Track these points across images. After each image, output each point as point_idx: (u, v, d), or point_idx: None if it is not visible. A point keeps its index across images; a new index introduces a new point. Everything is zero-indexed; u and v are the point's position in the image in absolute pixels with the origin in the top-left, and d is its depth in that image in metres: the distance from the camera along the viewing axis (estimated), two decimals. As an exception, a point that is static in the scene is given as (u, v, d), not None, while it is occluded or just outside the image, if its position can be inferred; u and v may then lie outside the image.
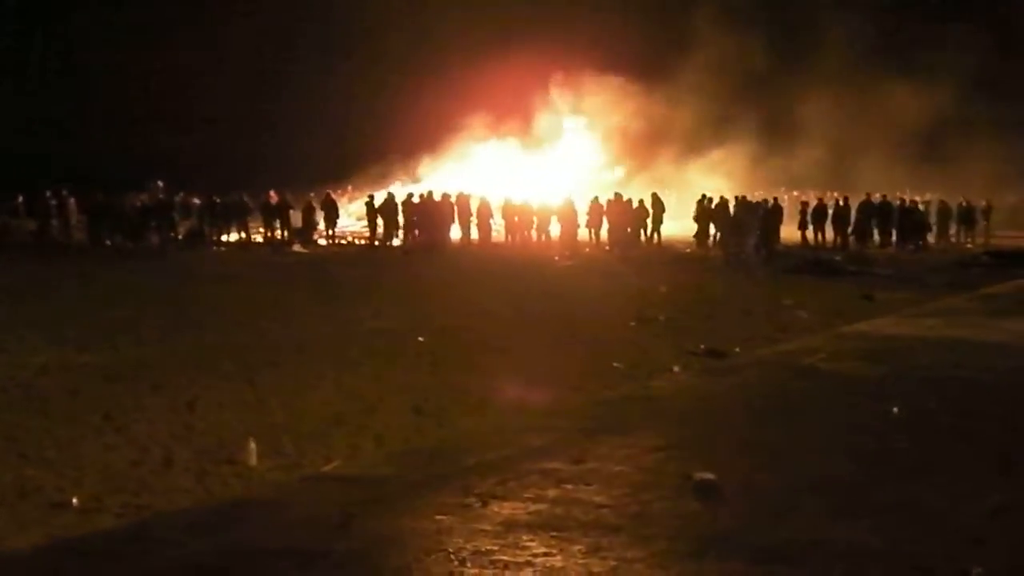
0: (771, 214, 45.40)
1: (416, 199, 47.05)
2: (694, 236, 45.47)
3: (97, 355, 17.64)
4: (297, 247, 45.28)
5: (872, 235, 47.28)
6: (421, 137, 62.66)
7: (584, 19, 68.32)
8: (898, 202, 48.71)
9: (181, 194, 51.21)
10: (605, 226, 44.71)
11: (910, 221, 47.42)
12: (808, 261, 36.02)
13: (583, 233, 45.33)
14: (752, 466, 9.89)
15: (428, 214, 45.94)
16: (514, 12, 66.81)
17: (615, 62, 63.17)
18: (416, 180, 58.68)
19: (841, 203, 47.37)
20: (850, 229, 46.46)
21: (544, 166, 61.56)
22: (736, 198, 46.43)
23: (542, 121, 65.16)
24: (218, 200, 50.04)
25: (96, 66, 72.54)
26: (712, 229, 45.70)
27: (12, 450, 11.66)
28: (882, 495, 9.02)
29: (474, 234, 46.81)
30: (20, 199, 50.01)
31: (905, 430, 11.38)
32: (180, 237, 47.64)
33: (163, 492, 10.19)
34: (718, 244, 44.91)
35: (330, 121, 69.30)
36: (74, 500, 9.89)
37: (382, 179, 59.39)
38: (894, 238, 47.28)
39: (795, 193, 60.15)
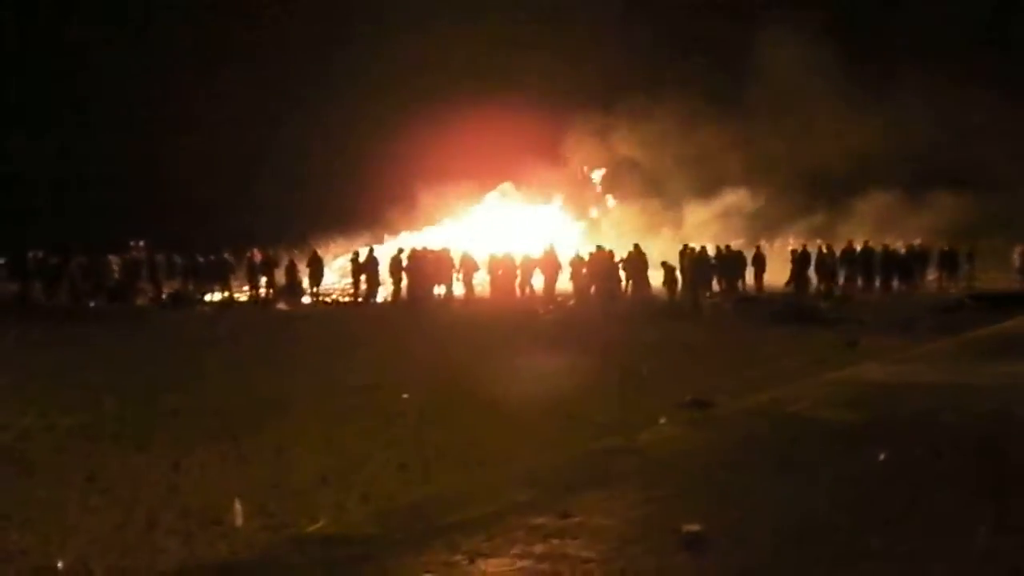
0: (733, 262, 45.87)
1: (402, 255, 47.00)
2: (662, 284, 45.64)
3: (80, 416, 17.54)
4: (282, 305, 45.25)
5: (856, 281, 47.47)
6: (405, 194, 62.86)
7: (561, 72, 68.42)
8: (880, 248, 48.91)
9: (161, 254, 51.21)
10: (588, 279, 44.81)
11: (893, 266, 47.62)
12: (791, 308, 36.06)
13: (567, 285, 45.41)
14: (740, 516, 9.86)
15: (412, 270, 45.92)
16: (495, 67, 67.09)
17: (599, 107, 63.47)
18: (400, 236, 58.70)
19: (824, 250, 47.54)
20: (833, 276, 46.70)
21: (527, 218, 61.68)
22: (717, 248, 46.75)
23: (525, 174, 65.30)
24: (201, 259, 50.01)
25: (74, 124, 72.39)
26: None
27: (-5, 513, 11.61)
28: (871, 542, 9.00)
29: (458, 289, 46.77)
30: (2, 261, 49.92)
31: (892, 476, 11.38)
32: (164, 297, 47.56)
33: (148, 554, 10.13)
34: (681, 292, 45.09)
35: (314, 179, 69.41)
36: (59, 564, 9.83)
37: (366, 236, 59.41)
38: (877, 284, 47.46)
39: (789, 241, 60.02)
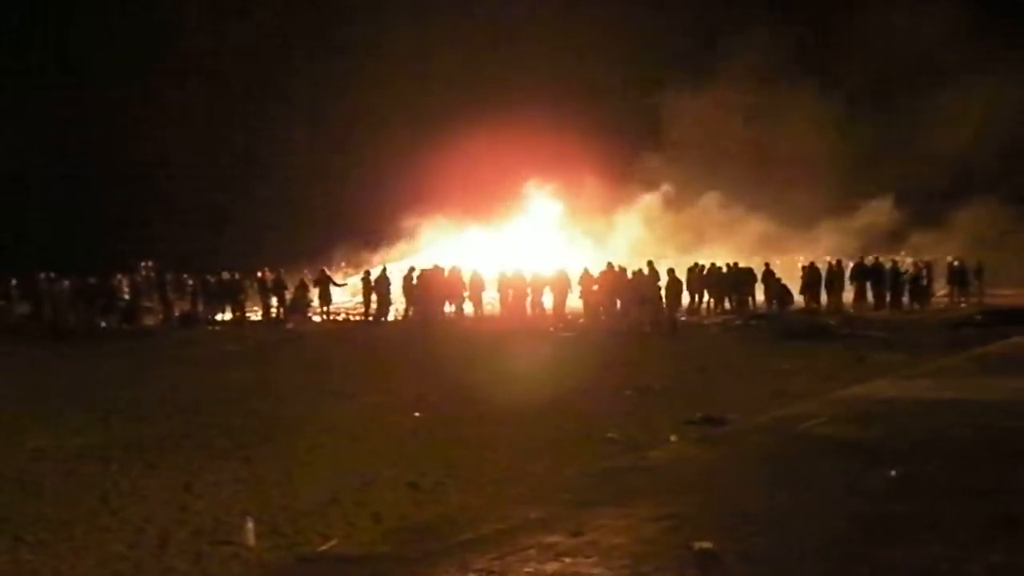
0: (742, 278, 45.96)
1: (413, 274, 46.94)
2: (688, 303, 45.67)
3: (91, 437, 17.58)
4: (292, 325, 45.23)
5: (866, 297, 47.32)
6: (415, 212, 62.79)
7: (572, 95, 68.20)
8: (890, 264, 48.76)
9: (171, 274, 51.23)
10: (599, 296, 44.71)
11: (902, 282, 47.45)
12: (801, 325, 36.00)
13: (577, 303, 45.31)
14: (752, 533, 9.83)
15: (423, 289, 45.89)
16: (504, 85, 66.95)
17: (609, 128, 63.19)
18: (409, 255, 58.61)
19: (834, 265, 47.39)
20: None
21: (534, 237, 61.57)
22: (728, 265, 46.68)
23: (532, 193, 65.14)
24: (211, 279, 50.03)
25: (81, 145, 72.37)
26: (706, 295, 45.97)
27: (7, 533, 11.61)
28: (883, 558, 8.97)
29: (468, 308, 46.73)
30: (13, 282, 49.96)
31: (903, 492, 11.34)
32: (174, 317, 47.58)
33: (160, 575, 10.13)
34: (712, 311, 45.03)
35: (324, 198, 69.32)
36: (71, 585, 9.85)
37: (376, 255, 59.43)
38: (887, 300, 47.28)
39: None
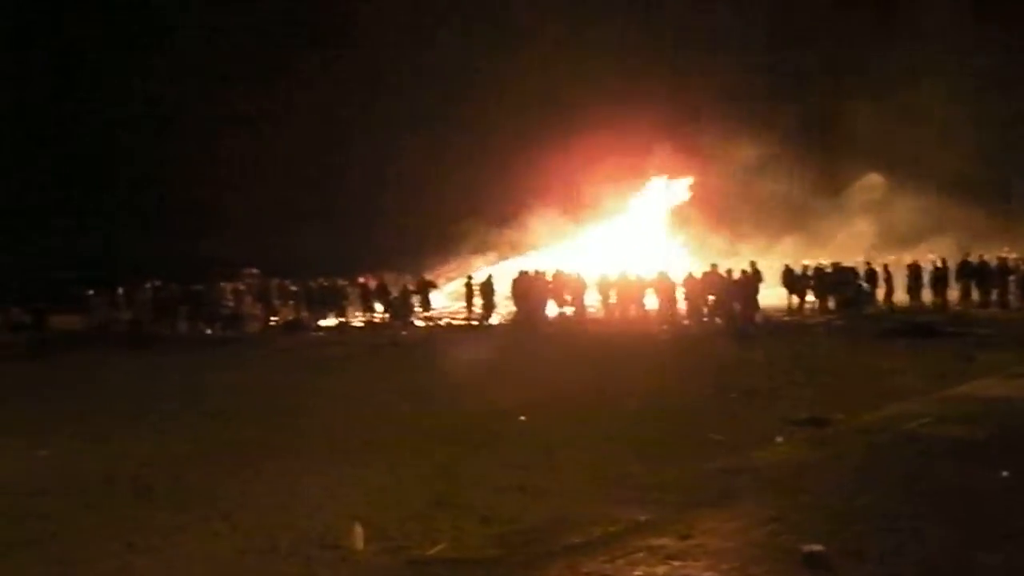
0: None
1: (517, 278, 46.88)
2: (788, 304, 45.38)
3: (199, 443, 17.73)
4: (395, 330, 45.33)
5: (971, 295, 46.62)
6: (516, 216, 62.58)
7: (683, 86, 67.55)
8: (996, 261, 47.97)
9: (276, 281, 51.52)
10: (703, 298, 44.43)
11: (1009, 280, 46.67)
12: (906, 324, 35.59)
13: (681, 305, 45.07)
14: (861, 535, 9.77)
15: (526, 292, 45.85)
16: (608, 82, 66.57)
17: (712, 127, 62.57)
18: (512, 258, 58.43)
19: (939, 264, 46.79)
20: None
21: (640, 238, 61.19)
22: (832, 265, 46.26)
23: (637, 193, 64.63)
24: (315, 286, 50.28)
25: (180, 155, 72.83)
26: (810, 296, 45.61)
27: (119, 539, 11.75)
28: (995, 561, 8.90)
29: (571, 310, 46.63)
30: (120, 291, 50.42)
31: (1016, 493, 11.23)
32: (278, 324, 47.87)
33: (271, 579, 10.23)
34: (815, 311, 44.69)
35: (426, 203, 69.30)
36: (183, 589, 9.96)
37: (477, 259, 59.36)
38: (994, 298, 46.55)
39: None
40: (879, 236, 58.08)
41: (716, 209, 62.51)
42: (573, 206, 62.99)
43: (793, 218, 61.83)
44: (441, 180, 70.15)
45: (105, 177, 71.71)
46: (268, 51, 74.70)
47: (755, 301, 42.64)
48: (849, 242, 57.15)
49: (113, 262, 58.11)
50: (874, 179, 61.98)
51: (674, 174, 65.08)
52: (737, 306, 42.44)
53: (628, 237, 61.72)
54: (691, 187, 65.14)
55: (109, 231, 67.23)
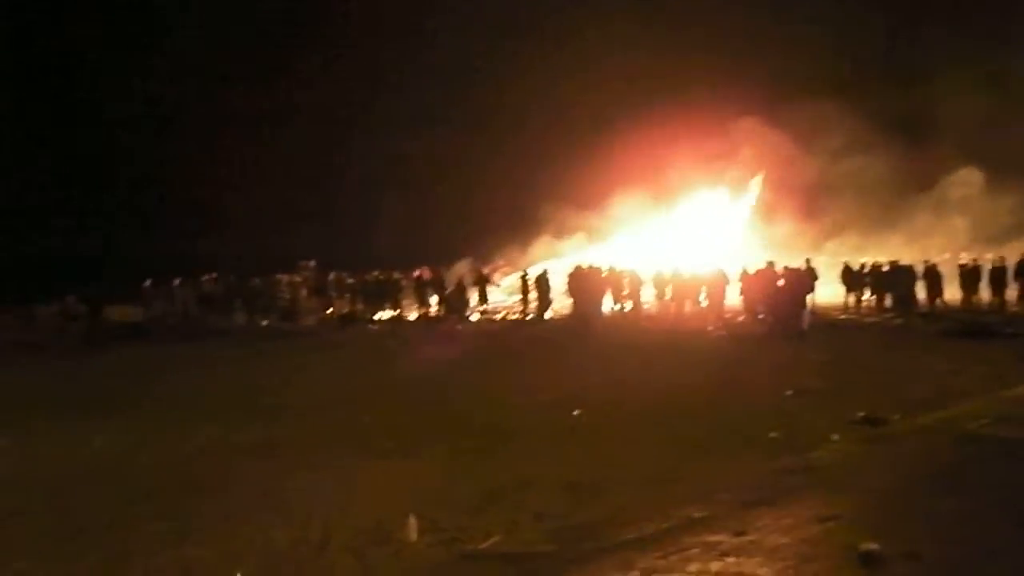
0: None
1: (572, 273, 46.77)
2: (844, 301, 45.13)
3: (253, 434, 17.81)
4: (450, 323, 45.32)
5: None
6: (571, 212, 62.34)
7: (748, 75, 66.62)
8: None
9: (333, 274, 51.65)
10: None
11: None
12: (964, 324, 35.33)
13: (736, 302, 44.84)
14: (918, 535, 9.70)
15: (580, 287, 45.75)
16: (669, 72, 66.07)
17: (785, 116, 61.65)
18: (568, 253, 58.21)
19: (997, 263, 46.32)
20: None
21: (718, 232, 60.71)
22: (889, 263, 45.86)
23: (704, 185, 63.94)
24: (370, 279, 50.36)
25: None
26: (867, 294, 45.26)
27: (173, 529, 11.83)
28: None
29: (626, 306, 46.52)
30: (176, 283, 50.66)
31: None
32: (334, 316, 47.94)
33: (323, 571, 10.25)
34: (873, 310, 44.37)
35: (479, 198, 69.25)
36: (235, 579, 9.99)
37: (534, 253, 59.16)
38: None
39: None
40: (973, 233, 57.10)
41: (803, 202, 61.78)
42: (654, 194, 62.44)
43: (885, 213, 60.95)
44: (500, 173, 70.07)
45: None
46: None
47: (803, 300, 42.44)
48: (941, 240, 56.23)
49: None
50: (971, 174, 60.74)
51: (758, 165, 64.53)
52: (789, 305, 42.26)
53: (705, 230, 61.32)
54: (775, 179, 64.50)
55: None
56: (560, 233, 61.17)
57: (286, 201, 72.87)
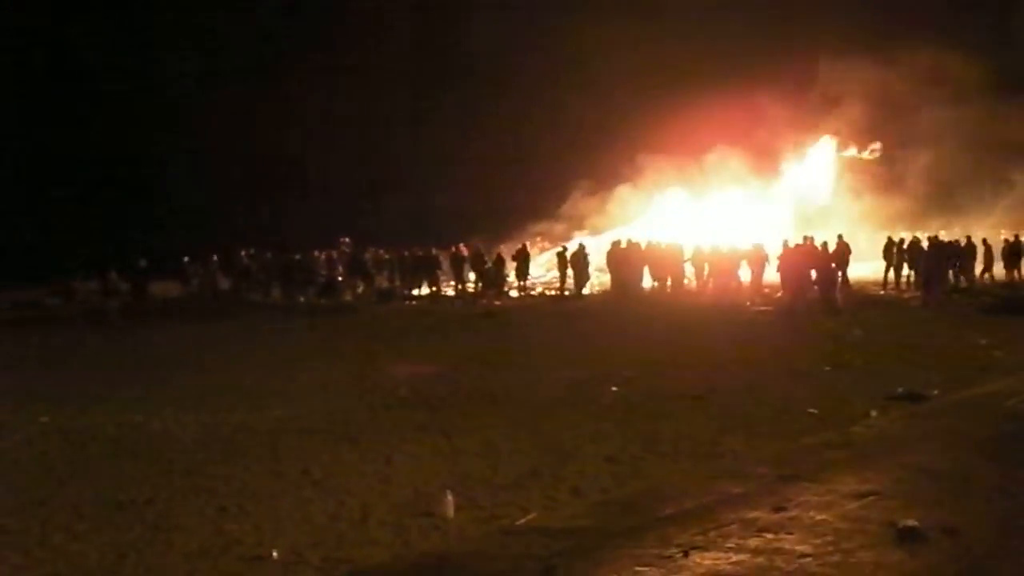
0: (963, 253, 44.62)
1: (612, 248, 46.57)
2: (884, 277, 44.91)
3: (292, 410, 17.85)
4: (488, 299, 45.27)
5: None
6: (610, 186, 61.89)
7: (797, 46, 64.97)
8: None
9: (371, 249, 51.67)
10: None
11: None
12: (1005, 300, 35.15)
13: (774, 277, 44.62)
14: (957, 512, 9.66)
15: (619, 263, 45.62)
16: (712, 43, 65.12)
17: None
18: (607, 229, 57.78)
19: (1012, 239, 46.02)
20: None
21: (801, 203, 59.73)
22: (929, 239, 45.52)
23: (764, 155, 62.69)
24: (408, 255, 50.34)
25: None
26: (905, 270, 44.93)
27: (212, 504, 11.87)
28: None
29: (665, 281, 46.41)
30: (215, 258, 50.82)
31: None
32: (372, 292, 47.96)
33: (362, 545, 10.26)
34: (914, 285, 44.13)
35: (518, 173, 68.91)
36: (274, 553, 10.02)
37: (570, 229, 58.88)
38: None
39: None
40: None
41: (897, 177, 60.43)
42: (751, 157, 61.28)
43: (976, 191, 59.84)
44: (536, 149, 69.70)
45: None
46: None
47: (833, 274, 42.19)
48: None
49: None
50: None
51: (852, 136, 63.30)
52: (822, 279, 42.07)
53: (790, 199, 60.24)
54: (873, 151, 63.36)
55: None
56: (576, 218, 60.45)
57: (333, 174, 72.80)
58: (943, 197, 58.71)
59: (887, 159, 62.41)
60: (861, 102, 60.63)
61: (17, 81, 70.32)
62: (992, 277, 45.34)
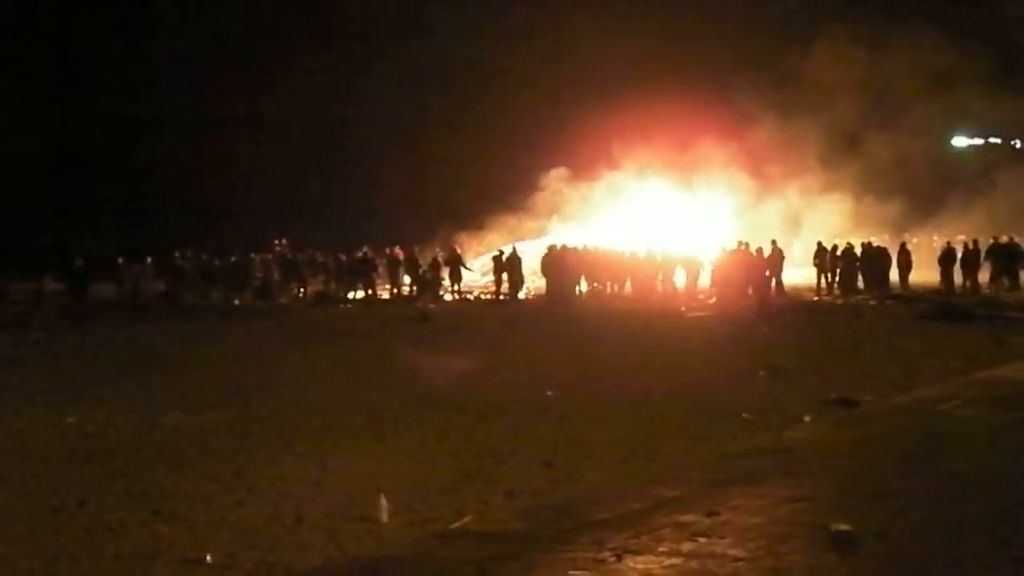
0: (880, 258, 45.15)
1: (546, 253, 46.70)
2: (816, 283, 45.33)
3: (227, 413, 17.76)
4: (423, 303, 45.28)
5: (1002, 278, 46.20)
6: (545, 190, 61.83)
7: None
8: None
9: (308, 251, 51.65)
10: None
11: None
12: (938, 306, 35.42)
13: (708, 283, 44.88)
14: (890, 515, 9.73)
15: (553, 268, 45.74)
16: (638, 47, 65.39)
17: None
18: (542, 234, 57.77)
19: (970, 246, 46.44)
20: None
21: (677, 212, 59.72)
22: (863, 244, 45.94)
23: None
24: (344, 257, 50.32)
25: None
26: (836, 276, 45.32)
27: (145, 507, 11.79)
28: (1021, 543, 8.85)
29: (600, 287, 46.58)
30: (149, 260, 50.68)
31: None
32: (307, 295, 47.91)
33: (295, 549, 10.22)
34: (840, 290, 44.50)
35: (453, 176, 68.96)
36: (208, 557, 9.96)
37: (507, 234, 58.85)
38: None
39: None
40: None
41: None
42: (609, 179, 61.54)
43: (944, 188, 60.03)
44: (473, 152, 69.72)
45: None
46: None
47: (768, 280, 42.55)
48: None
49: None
50: None
51: None
52: (756, 285, 42.39)
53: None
54: None
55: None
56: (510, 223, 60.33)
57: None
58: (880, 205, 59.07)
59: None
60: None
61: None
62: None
